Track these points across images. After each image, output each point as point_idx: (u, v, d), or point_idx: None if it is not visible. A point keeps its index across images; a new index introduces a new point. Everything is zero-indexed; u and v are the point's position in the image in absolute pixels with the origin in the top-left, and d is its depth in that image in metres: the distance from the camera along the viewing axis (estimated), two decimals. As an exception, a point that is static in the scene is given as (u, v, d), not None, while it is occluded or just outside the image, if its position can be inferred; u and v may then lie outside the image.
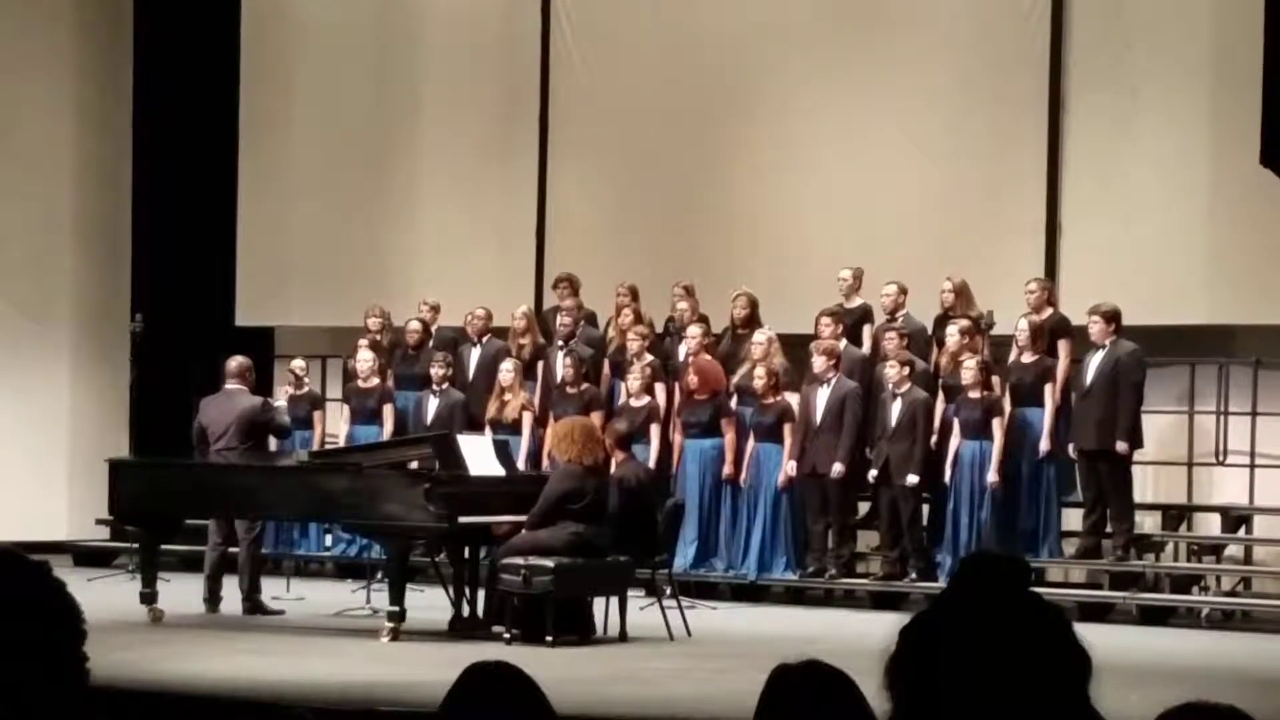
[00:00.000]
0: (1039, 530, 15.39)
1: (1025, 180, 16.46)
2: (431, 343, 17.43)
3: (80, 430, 19.36)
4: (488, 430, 15.97)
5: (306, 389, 17.29)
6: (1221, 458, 15.93)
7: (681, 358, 16.33)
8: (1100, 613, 14.73)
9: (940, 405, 15.58)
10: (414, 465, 13.53)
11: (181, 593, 14.53)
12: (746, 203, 17.55)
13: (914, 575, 15.37)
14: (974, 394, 15.19)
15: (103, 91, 19.73)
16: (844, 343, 15.93)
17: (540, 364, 16.96)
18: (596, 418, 15.19)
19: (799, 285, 16.79)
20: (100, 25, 19.81)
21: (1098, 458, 15.11)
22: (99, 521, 18.07)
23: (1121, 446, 14.99)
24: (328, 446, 16.47)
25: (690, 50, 17.77)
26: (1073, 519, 15.57)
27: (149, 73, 19.82)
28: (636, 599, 13.48)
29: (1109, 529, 15.24)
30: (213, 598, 14.30)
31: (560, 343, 16.84)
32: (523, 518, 13.03)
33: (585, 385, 16.28)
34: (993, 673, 2.78)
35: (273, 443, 14.91)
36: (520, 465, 15.13)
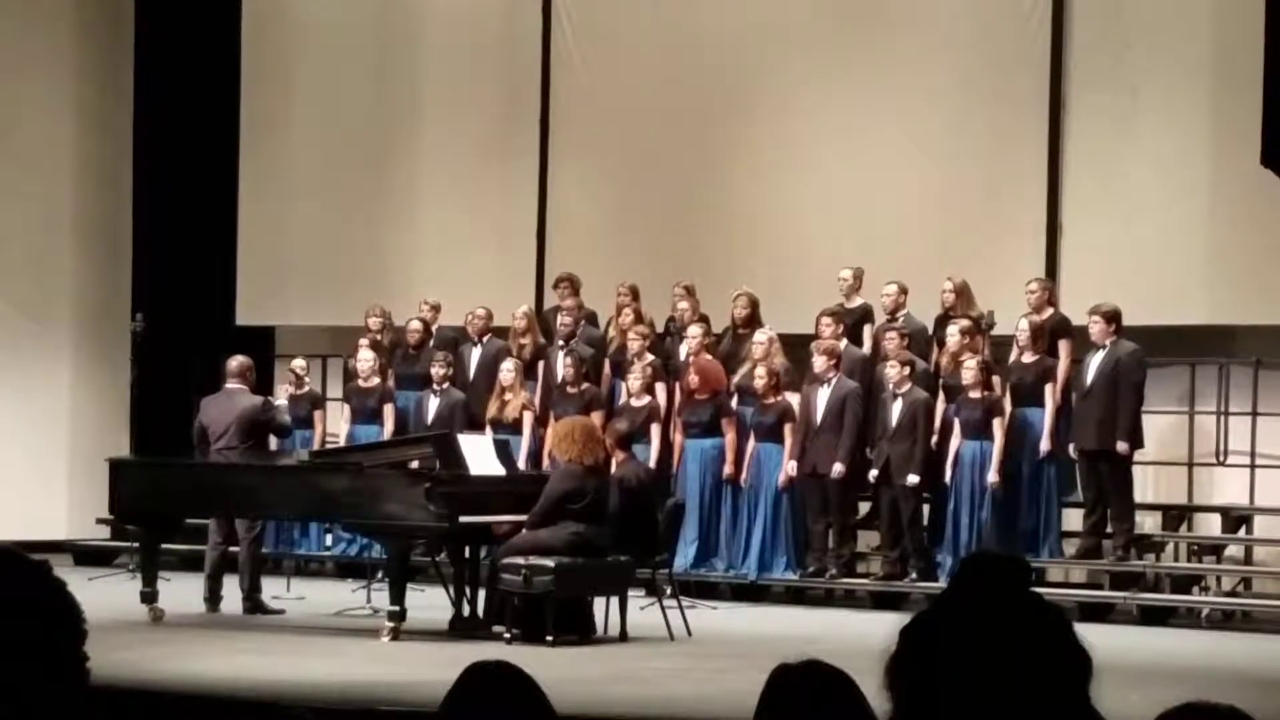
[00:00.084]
0: (1039, 530, 15.39)
1: (1026, 180, 16.46)
2: (432, 342, 17.43)
3: (81, 430, 19.36)
4: (488, 430, 15.97)
5: (307, 388, 17.29)
6: (1222, 458, 15.93)
7: (682, 358, 16.33)
8: (1101, 613, 14.73)
9: (941, 405, 15.58)
10: (414, 465, 13.53)
11: (182, 592, 14.53)
12: (747, 203, 17.55)
13: (914, 575, 15.37)
14: (974, 394, 15.19)
15: (103, 91, 19.73)
16: (844, 343, 15.93)
17: (541, 364, 16.96)
18: (597, 417, 15.19)
19: (799, 285, 16.79)
20: (100, 25, 19.81)
21: (1098, 458, 15.11)
22: (99, 521, 18.07)
23: (1122, 447, 14.99)
24: (328, 446, 16.47)
25: (691, 50, 17.77)
26: (1073, 519, 15.57)
27: (149, 73, 19.82)
28: (637, 599, 13.48)
29: (1109, 529, 15.24)
30: (213, 597, 14.30)
31: (561, 342, 16.84)
32: (523, 517, 13.03)
33: (586, 385, 16.28)
34: (993, 673, 2.78)
35: (273, 442, 14.91)
36: (521, 465, 15.13)
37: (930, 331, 16.11)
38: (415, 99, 19.06)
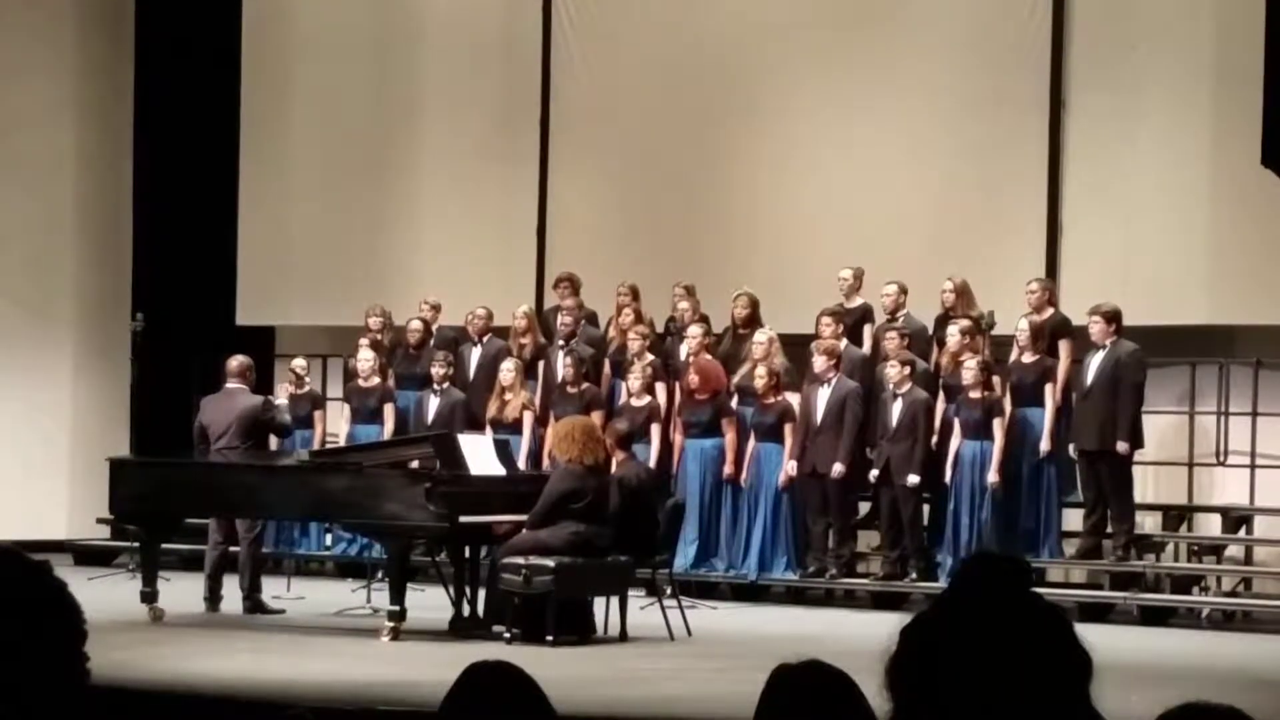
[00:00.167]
0: (1039, 530, 15.39)
1: (1026, 180, 16.46)
2: (432, 342, 17.43)
3: (81, 429, 19.36)
4: (488, 430, 15.97)
5: (307, 388, 17.29)
6: (1222, 458, 15.93)
7: (682, 358, 16.33)
8: (1101, 613, 14.73)
9: (941, 405, 15.58)
10: (415, 465, 13.53)
11: (182, 592, 14.53)
12: (747, 203, 17.55)
13: (914, 575, 15.37)
14: (975, 394, 15.19)
15: (104, 91, 19.73)
16: (845, 343, 15.93)
17: (541, 364, 16.97)
18: (597, 417, 15.19)
19: (800, 285, 16.79)
20: (101, 26, 19.81)
21: (1098, 458, 15.10)
22: (100, 521, 18.07)
23: (1122, 447, 14.99)
24: (328, 446, 16.47)
25: (691, 51, 17.77)
26: (1073, 519, 15.57)
27: (150, 73, 19.83)
28: (637, 599, 13.48)
29: (1109, 529, 15.24)
30: (213, 597, 14.30)
31: (561, 342, 16.84)
32: (523, 517, 13.03)
33: (586, 385, 16.28)
34: (993, 673, 2.78)
35: (273, 442, 14.91)
36: (521, 465, 15.13)
37: (930, 331, 16.11)
38: (416, 99, 19.06)
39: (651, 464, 15.18)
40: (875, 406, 15.64)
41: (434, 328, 17.59)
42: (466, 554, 13.65)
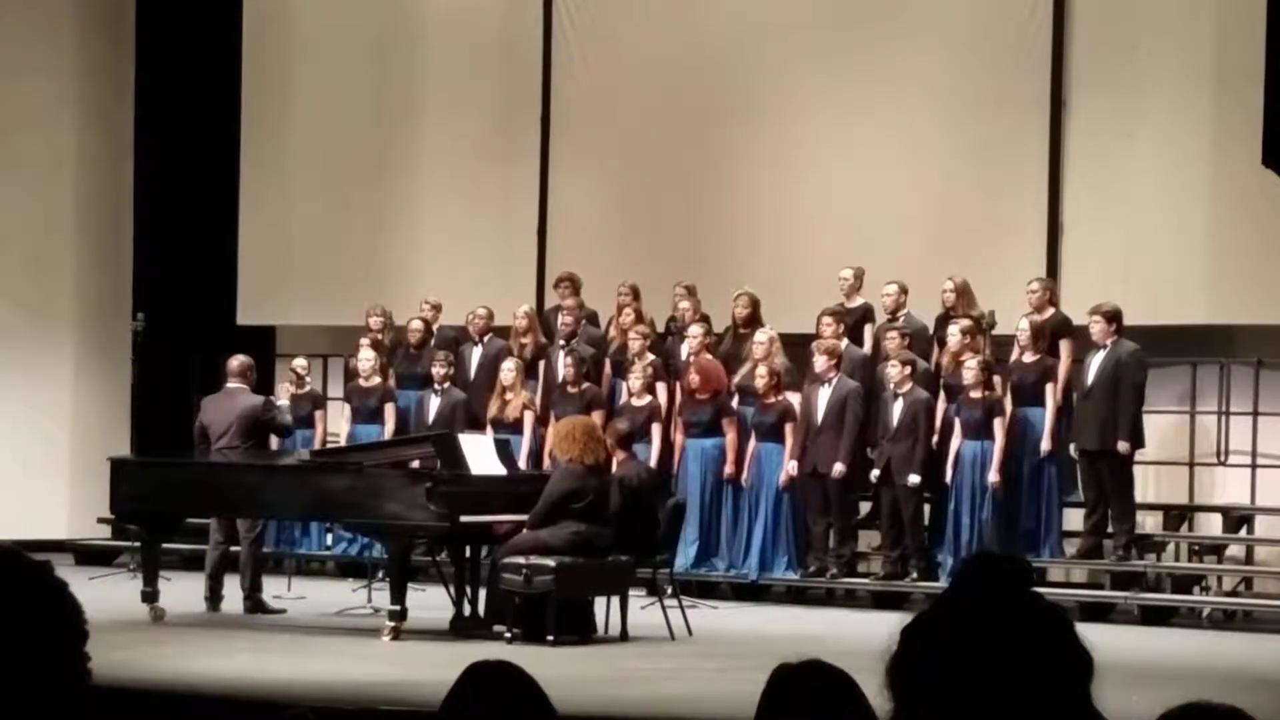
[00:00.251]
0: (1040, 530, 15.39)
1: (1027, 180, 16.46)
2: (433, 342, 17.43)
3: (82, 429, 19.36)
4: (489, 429, 15.97)
5: (308, 388, 17.29)
6: (1223, 458, 15.93)
7: (683, 357, 16.33)
8: (1101, 613, 14.73)
9: (941, 405, 15.58)
10: (415, 464, 13.52)
11: (183, 592, 14.53)
12: (748, 202, 17.55)
13: (915, 575, 15.37)
14: (975, 394, 15.19)
15: (104, 92, 19.73)
16: (845, 342, 15.93)
17: (541, 363, 16.97)
18: (597, 417, 15.19)
19: (800, 285, 16.79)
20: (102, 26, 19.81)
21: (1099, 458, 15.10)
22: (100, 520, 18.07)
23: (1123, 446, 14.99)
24: (329, 445, 16.47)
25: (691, 50, 17.77)
26: (1074, 519, 15.57)
27: (150, 73, 19.83)
28: (637, 598, 13.49)
29: (1110, 529, 15.24)
30: (214, 597, 14.30)
31: (561, 342, 16.84)
32: (524, 517, 13.03)
33: (586, 385, 16.28)
34: (994, 673, 2.78)
35: (274, 442, 14.91)
36: (521, 464, 15.13)
37: (931, 331, 16.11)
38: (416, 99, 19.06)
39: (652, 464, 15.18)
40: (876, 406, 15.64)
41: (435, 327, 17.59)
42: (467, 554, 13.65)
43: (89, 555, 18.05)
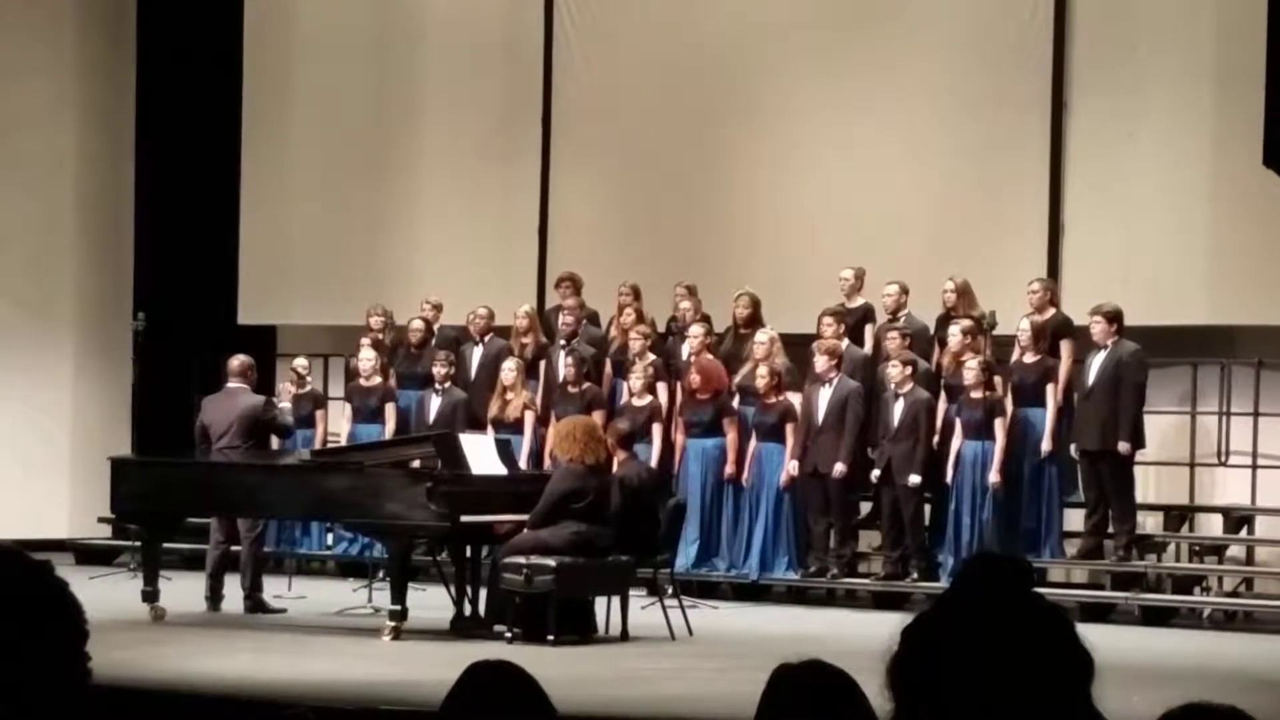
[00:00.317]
0: (1040, 530, 15.39)
1: (1027, 180, 16.46)
2: (434, 342, 17.43)
3: (82, 428, 19.36)
4: (490, 429, 15.97)
5: (309, 388, 17.29)
6: (1223, 458, 15.92)
7: (684, 357, 16.33)
8: (1102, 613, 14.73)
9: (942, 405, 15.58)
10: (416, 464, 13.52)
11: (183, 591, 14.53)
12: (749, 202, 17.55)
13: (915, 575, 15.37)
14: (976, 394, 15.19)
15: (105, 92, 19.73)
16: (846, 342, 15.93)
17: (542, 363, 16.97)
18: (598, 417, 15.19)
19: (801, 285, 16.79)
20: (103, 26, 19.81)
21: (1099, 458, 15.10)
22: (101, 520, 18.07)
23: (1123, 447, 14.99)
24: (330, 445, 16.47)
25: (692, 50, 17.77)
26: (1074, 519, 15.57)
27: (151, 73, 19.83)
28: (638, 598, 13.49)
29: (1111, 529, 15.24)
30: (214, 596, 14.30)
31: (562, 342, 16.84)
32: (524, 517, 13.03)
33: (587, 385, 16.28)
34: (995, 673, 2.78)
35: (274, 441, 14.91)
36: (522, 464, 15.13)
37: (932, 331, 16.11)
38: (417, 98, 19.06)
39: (653, 464, 15.18)
40: (876, 406, 15.64)
41: (435, 327, 17.59)
42: (468, 553, 13.65)
43: (89, 555, 18.05)
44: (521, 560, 12.68)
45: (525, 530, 12.98)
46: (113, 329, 19.22)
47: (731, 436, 15.90)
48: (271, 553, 16.13)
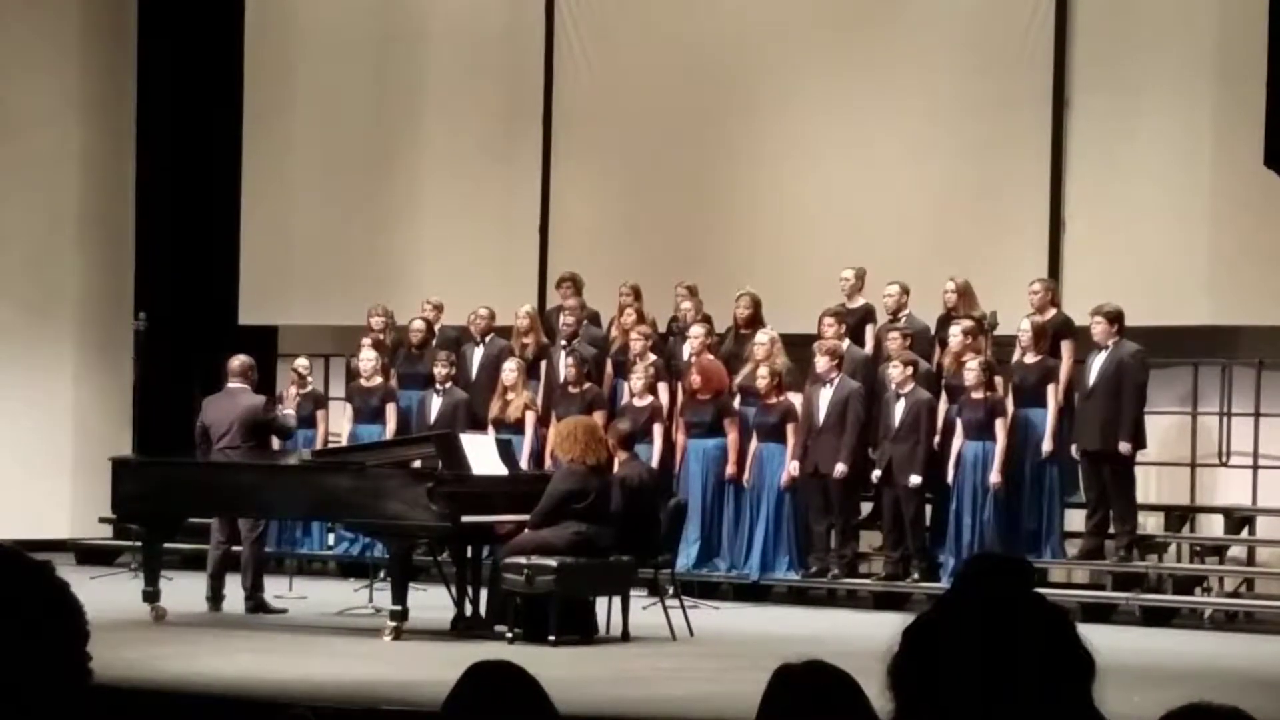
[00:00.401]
0: (1041, 531, 15.39)
1: (1028, 180, 16.46)
2: (435, 342, 17.43)
3: (83, 428, 19.36)
4: (490, 430, 15.97)
5: (309, 388, 17.29)
6: (1224, 459, 15.92)
7: (684, 358, 16.33)
8: (1103, 614, 14.73)
9: (943, 406, 15.58)
10: (417, 464, 13.52)
11: (184, 591, 14.53)
12: (749, 203, 17.55)
13: (916, 576, 15.37)
14: (977, 394, 15.19)
15: (106, 91, 19.74)
16: (847, 343, 15.93)
17: (543, 364, 16.97)
18: (599, 417, 15.20)
19: (802, 285, 16.79)
20: (104, 26, 19.82)
21: (1100, 458, 15.10)
22: (102, 520, 18.07)
23: (1124, 447, 14.99)
24: (331, 445, 16.47)
25: (693, 50, 17.77)
26: (1075, 520, 15.57)
27: (152, 73, 19.83)
28: (639, 599, 13.48)
29: (1111, 530, 15.23)
30: (215, 596, 14.30)
31: (563, 342, 16.84)
32: (525, 517, 13.03)
33: (588, 385, 16.29)
34: (995, 673, 2.78)
35: (275, 441, 14.91)
36: (523, 465, 15.13)
37: (932, 332, 16.11)
38: (418, 98, 19.06)
39: (654, 464, 15.18)
40: (877, 407, 15.64)
41: (436, 327, 17.60)
42: (468, 554, 13.65)
43: (90, 555, 18.05)
44: (522, 560, 12.68)
45: (526, 530, 12.98)
46: (113, 329, 19.22)
47: (732, 437, 15.90)
48: (272, 553, 16.13)
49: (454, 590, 13.55)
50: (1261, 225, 15.39)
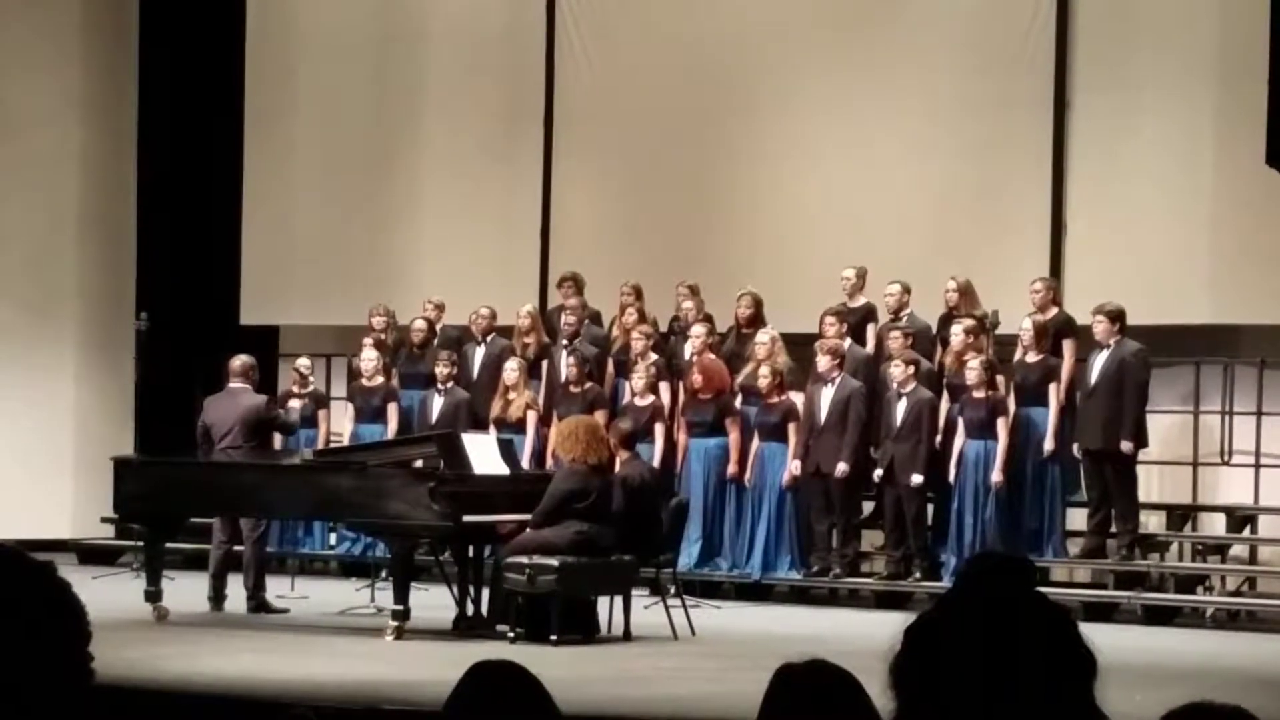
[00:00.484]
0: (1043, 530, 15.39)
1: (1030, 179, 16.46)
2: (436, 341, 17.43)
3: (85, 428, 19.36)
4: (492, 429, 15.97)
5: (311, 388, 17.29)
6: (1226, 457, 15.92)
7: (686, 357, 16.33)
8: (1105, 612, 14.73)
9: (945, 405, 15.58)
10: (419, 464, 13.52)
11: (186, 591, 14.53)
12: (751, 202, 17.56)
13: (918, 575, 15.37)
14: (978, 393, 15.19)
15: (108, 91, 19.73)
16: (848, 342, 15.93)
17: (544, 363, 16.97)
18: (600, 417, 15.20)
19: (803, 284, 16.79)
20: (105, 25, 19.81)
21: (1102, 457, 15.10)
22: (104, 520, 18.07)
23: (1126, 446, 14.99)
24: (332, 445, 16.48)
25: (694, 50, 17.77)
26: (1077, 519, 15.57)
27: (154, 72, 19.83)
28: (640, 598, 13.48)
29: (1113, 529, 15.23)
30: (217, 596, 14.30)
31: (564, 342, 16.84)
32: (527, 517, 13.03)
33: (589, 384, 16.29)
34: (997, 673, 2.78)
35: (277, 441, 14.91)
36: (524, 464, 15.13)
37: (934, 331, 16.11)
38: (419, 98, 19.06)
39: (655, 463, 15.18)
40: (879, 406, 15.64)
41: (438, 327, 17.60)
42: (470, 553, 13.65)
43: (92, 555, 18.06)
44: (524, 560, 12.68)
45: (528, 530, 12.98)
46: (115, 328, 19.22)
47: (734, 436, 15.90)
48: (274, 553, 16.13)
49: (455, 590, 13.54)
50: (1263, 224, 15.39)
